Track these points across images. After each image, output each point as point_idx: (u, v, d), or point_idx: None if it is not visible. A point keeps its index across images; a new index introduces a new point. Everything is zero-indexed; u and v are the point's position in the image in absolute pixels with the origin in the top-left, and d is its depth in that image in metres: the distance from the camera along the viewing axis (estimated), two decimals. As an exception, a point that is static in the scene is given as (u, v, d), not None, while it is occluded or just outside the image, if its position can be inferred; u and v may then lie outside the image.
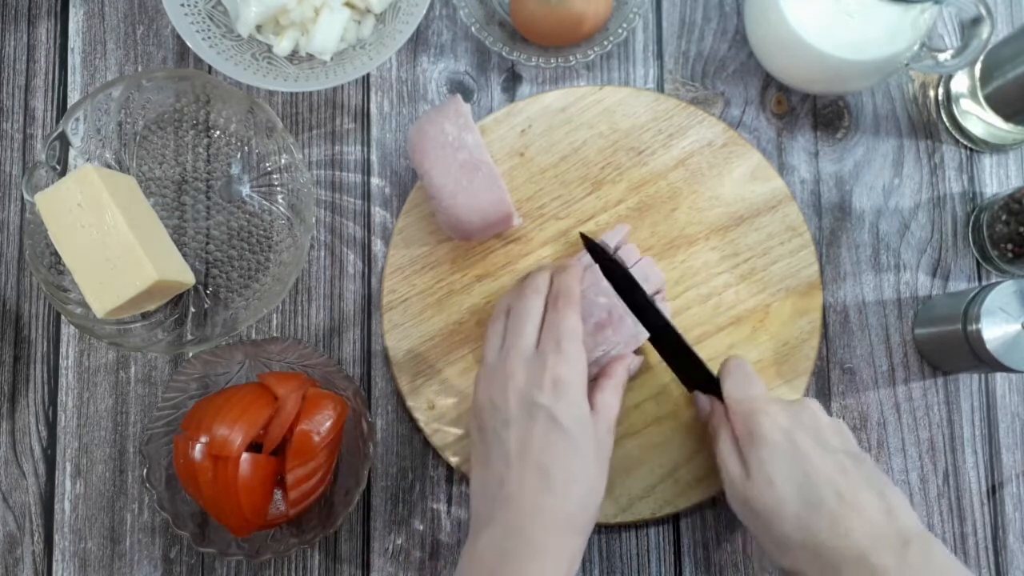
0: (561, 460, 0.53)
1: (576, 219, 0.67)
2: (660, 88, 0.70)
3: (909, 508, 0.53)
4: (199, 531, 0.62)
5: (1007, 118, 0.66)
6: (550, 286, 0.60)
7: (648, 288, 0.63)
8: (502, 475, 0.53)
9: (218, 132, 0.68)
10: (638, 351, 0.63)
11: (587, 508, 0.54)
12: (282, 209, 0.67)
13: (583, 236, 0.64)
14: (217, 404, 0.60)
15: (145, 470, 0.61)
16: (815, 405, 0.57)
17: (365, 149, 0.70)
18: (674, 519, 0.66)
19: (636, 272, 0.63)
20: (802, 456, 0.54)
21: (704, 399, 0.61)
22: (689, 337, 0.65)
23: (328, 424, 0.61)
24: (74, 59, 0.71)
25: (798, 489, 0.53)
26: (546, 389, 0.54)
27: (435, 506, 0.66)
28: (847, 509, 0.52)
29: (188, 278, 0.65)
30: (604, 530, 0.66)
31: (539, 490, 0.52)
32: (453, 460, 0.65)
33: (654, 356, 0.65)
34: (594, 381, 0.59)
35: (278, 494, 0.61)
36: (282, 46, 0.68)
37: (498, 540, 0.52)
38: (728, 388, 0.58)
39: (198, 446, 0.59)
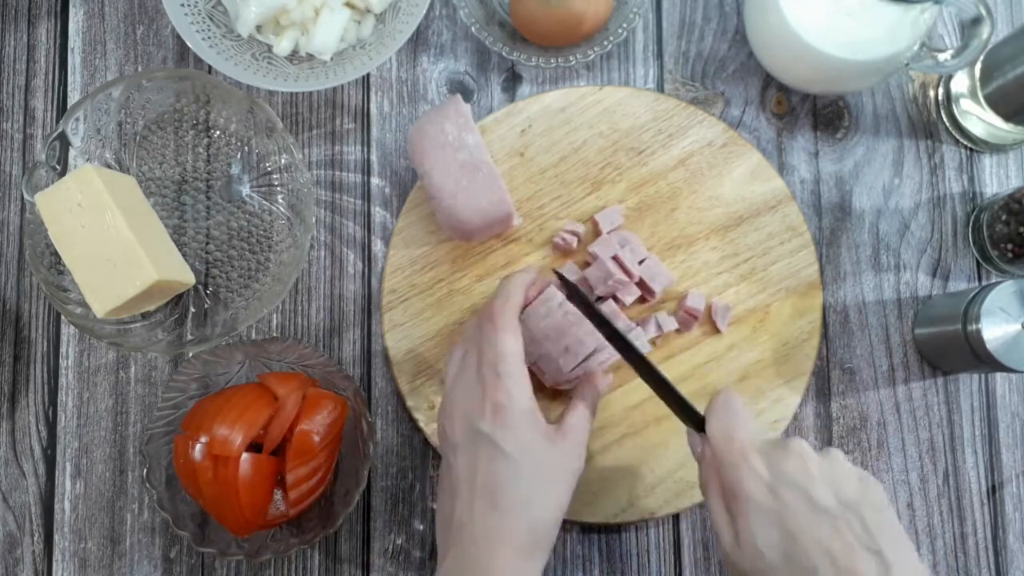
0: (508, 485, 0.52)
1: (576, 219, 0.67)
2: (660, 88, 0.70)
3: (913, 560, 0.48)
4: (199, 531, 0.62)
5: (1007, 118, 0.66)
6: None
7: (657, 287, 0.64)
8: (453, 504, 0.53)
9: (218, 132, 0.68)
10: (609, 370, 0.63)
11: (540, 530, 0.52)
12: (282, 209, 0.67)
13: (557, 274, 0.60)
14: (217, 404, 0.60)
15: (145, 470, 0.61)
16: (801, 448, 0.51)
17: (365, 149, 0.70)
18: (674, 519, 0.66)
19: (644, 271, 0.64)
20: (787, 515, 0.48)
21: (696, 439, 0.55)
22: (689, 336, 0.65)
23: (328, 424, 0.61)
24: (74, 59, 0.71)
25: (786, 557, 0.48)
26: (487, 416, 0.53)
27: (435, 506, 0.66)
28: (840, 573, 0.47)
29: (188, 278, 0.65)
30: (604, 530, 0.66)
31: (488, 516, 0.52)
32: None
33: (651, 359, 0.65)
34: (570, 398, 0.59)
35: (278, 494, 0.61)
36: (282, 46, 0.68)
37: (453, 570, 0.52)
38: (711, 430, 0.53)
39: (198, 446, 0.59)
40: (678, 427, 0.64)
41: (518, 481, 0.52)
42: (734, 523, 0.50)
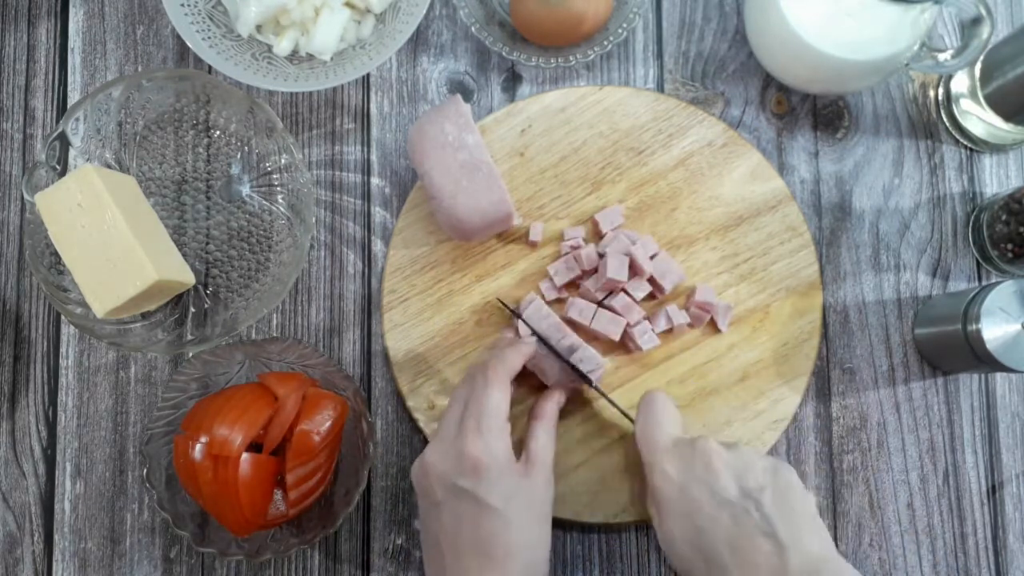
0: (500, 535, 0.53)
1: (576, 219, 0.67)
2: (660, 88, 0.70)
3: (811, 536, 0.50)
4: (199, 531, 0.62)
5: (1007, 118, 0.66)
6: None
7: (667, 284, 0.64)
8: (443, 564, 0.54)
9: (218, 132, 0.68)
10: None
11: (536, 570, 0.54)
12: (282, 209, 0.67)
13: (501, 302, 0.65)
14: (217, 404, 0.60)
15: (145, 470, 0.61)
16: (706, 445, 0.54)
17: (365, 149, 0.70)
18: (674, 519, 0.66)
19: (656, 266, 0.64)
20: (695, 511, 0.52)
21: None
22: (688, 337, 0.66)
23: (328, 424, 0.61)
24: (74, 59, 0.71)
25: (695, 548, 0.52)
26: (467, 473, 0.53)
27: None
28: (741, 561, 0.50)
29: (188, 278, 0.65)
30: (604, 530, 0.66)
31: (484, 570, 0.52)
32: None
33: (650, 359, 0.65)
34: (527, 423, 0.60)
35: (278, 494, 0.61)
36: (282, 46, 0.68)
37: None
38: (637, 430, 0.57)
39: (198, 446, 0.59)
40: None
41: (508, 529, 0.53)
42: (660, 525, 0.54)
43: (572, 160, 0.68)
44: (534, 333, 0.63)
